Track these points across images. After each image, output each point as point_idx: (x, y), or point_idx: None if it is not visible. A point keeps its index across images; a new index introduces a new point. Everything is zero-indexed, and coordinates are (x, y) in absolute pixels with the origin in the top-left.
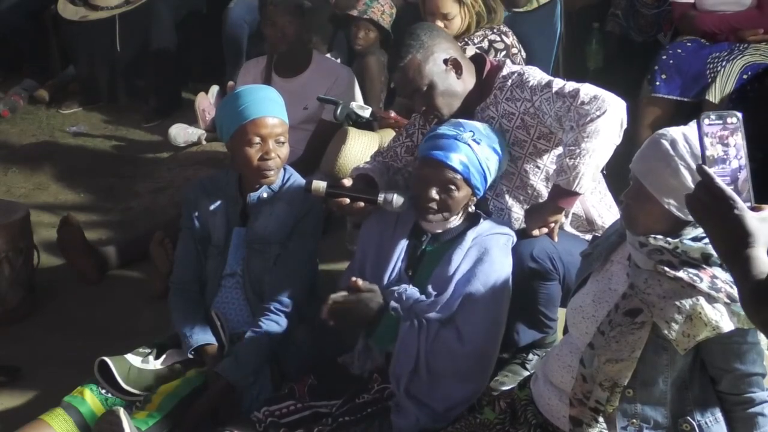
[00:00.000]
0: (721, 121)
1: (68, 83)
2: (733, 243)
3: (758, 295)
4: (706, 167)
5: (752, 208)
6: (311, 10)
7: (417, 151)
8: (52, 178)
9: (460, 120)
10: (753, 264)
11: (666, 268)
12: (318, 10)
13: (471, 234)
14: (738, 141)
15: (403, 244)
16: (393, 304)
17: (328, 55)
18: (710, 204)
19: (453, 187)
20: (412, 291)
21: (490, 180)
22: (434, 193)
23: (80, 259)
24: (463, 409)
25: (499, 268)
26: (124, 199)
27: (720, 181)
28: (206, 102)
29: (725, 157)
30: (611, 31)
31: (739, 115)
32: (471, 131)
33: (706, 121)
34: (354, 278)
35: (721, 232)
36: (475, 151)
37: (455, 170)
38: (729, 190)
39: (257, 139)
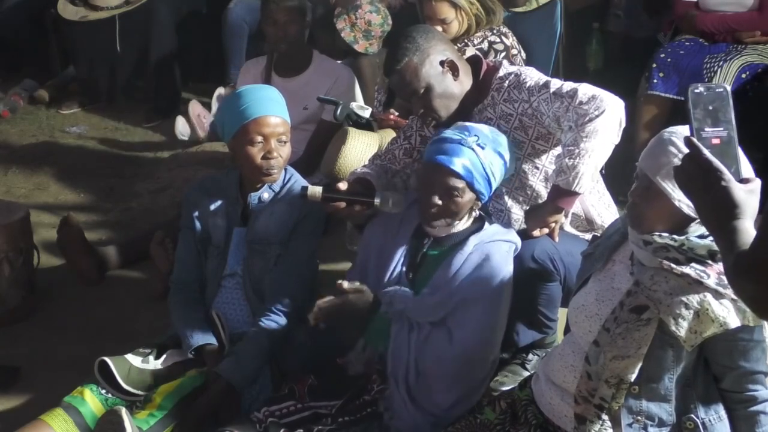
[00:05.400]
0: (709, 93)
1: (68, 83)
2: (719, 214)
3: (739, 267)
4: (694, 139)
5: (740, 181)
6: (321, 13)
7: (419, 155)
8: (52, 178)
9: (467, 123)
10: (738, 236)
11: (672, 265)
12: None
13: (473, 240)
14: (727, 114)
15: (405, 245)
16: (383, 307)
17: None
18: (698, 175)
19: (456, 193)
20: (403, 293)
21: (495, 185)
22: (437, 199)
23: (80, 260)
24: (462, 411)
25: (499, 274)
26: (124, 199)
27: (707, 153)
28: (198, 107)
29: (714, 129)
30: (613, 31)
31: (728, 86)
32: (476, 135)
33: (695, 91)
34: (339, 281)
35: (708, 204)
36: (479, 156)
37: (458, 175)
38: (716, 161)
39: (259, 138)
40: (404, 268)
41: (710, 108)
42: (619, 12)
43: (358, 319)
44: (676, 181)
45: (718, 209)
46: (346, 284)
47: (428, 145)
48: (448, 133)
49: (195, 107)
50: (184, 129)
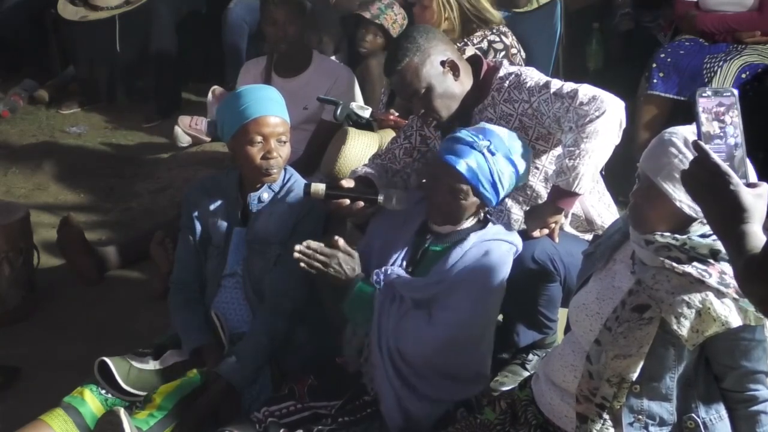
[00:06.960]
0: (716, 97)
1: (68, 83)
2: (728, 218)
3: (749, 270)
4: (701, 143)
5: (748, 185)
6: (319, 11)
7: (419, 154)
8: (52, 178)
9: (486, 126)
10: (747, 239)
11: (674, 264)
12: (326, 12)
13: (474, 237)
14: (734, 118)
15: (408, 241)
16: (376, 277)
17: (333, 58)
18: (706, 180)
19: (460, 196)
20: (398, 269)
21: (503, 193)
22: (440, 198)
23: (80, 260)
24: (449, 405)
25: (494, 268)
26: (124, 199)
27: (716, 157)
28: (186, 119)
29: (721, 134)
30: (624, 30)
31: (735, 91)
32: (489, 140)
33: (702, 95)
34: (336, 237)
35: (716, 208)
36: (488, 161)
37: (463, 178)
38: (725, 165)
39: (259, 138)
40: (404, 263)
41: (718, 112)
42: (627, 9)
43: (338, 280)
44: (683, 186)
45: (727, 213)
46: (341, 242)
47: (442, 141)
48: (463, 133)
49: (183, 120)
50: (184, 137)
